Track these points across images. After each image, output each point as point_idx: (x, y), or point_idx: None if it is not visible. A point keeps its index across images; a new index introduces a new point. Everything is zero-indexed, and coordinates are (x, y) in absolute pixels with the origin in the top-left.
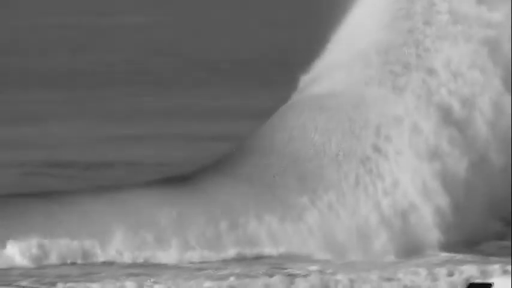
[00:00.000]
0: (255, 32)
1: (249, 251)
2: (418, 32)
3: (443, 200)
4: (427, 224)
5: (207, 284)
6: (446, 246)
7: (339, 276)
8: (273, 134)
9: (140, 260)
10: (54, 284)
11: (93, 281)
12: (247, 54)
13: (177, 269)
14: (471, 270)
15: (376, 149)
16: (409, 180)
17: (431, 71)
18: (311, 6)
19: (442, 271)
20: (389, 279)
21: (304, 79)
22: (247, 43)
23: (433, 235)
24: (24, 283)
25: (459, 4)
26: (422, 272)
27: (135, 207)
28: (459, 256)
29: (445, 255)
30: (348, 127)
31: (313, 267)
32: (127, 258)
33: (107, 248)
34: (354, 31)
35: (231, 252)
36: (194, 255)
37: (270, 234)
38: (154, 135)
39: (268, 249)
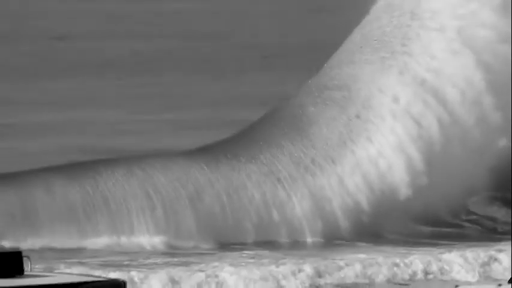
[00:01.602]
0: (303, 18)
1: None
2: (404, 25)
3: (415, 154)
4: (399, 170)
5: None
6: (416, 189)
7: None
8: (285, 110)
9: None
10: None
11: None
12: (295, 40)
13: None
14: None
15: (359, 115)
16: (385, 138)
17: (411, 54)
18: None
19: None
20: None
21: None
22: (295, 29)
23: (404, 179)
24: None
25: (438, 1)
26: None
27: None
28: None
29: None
30: (340, 101)
31: (360, 256)
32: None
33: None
34: (364, 24)
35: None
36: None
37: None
38: (203, 121)
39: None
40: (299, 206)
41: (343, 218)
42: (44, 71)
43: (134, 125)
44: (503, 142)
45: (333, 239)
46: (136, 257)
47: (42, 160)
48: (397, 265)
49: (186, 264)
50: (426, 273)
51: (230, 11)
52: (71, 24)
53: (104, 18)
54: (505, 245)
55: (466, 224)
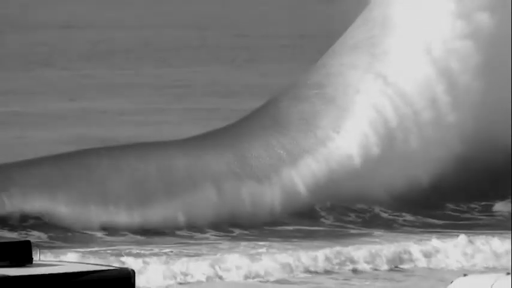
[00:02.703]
0: (316, 9)
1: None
2: (375, 35)
3: (370, 131)
4: (354, 144)
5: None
6: (369, 158)
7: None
8: (266, 104)
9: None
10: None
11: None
12: (307, 31)
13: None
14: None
15: (326, 107)
16: (345, 122)
17: (374, 56)
18: None
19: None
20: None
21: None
22: (308, 20)
23: (357, 151)
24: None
25: (400, 16)
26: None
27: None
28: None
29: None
30: (312, 97)
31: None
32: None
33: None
34: (346, 34)
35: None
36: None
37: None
38: (213, 111)
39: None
40: (263, 176)
41: (300, 182)
42: (54, 60)
43: (143, 115)
44: (451, 118)
45: (295, 205)
46: (144, 247)
47: (51, 150)
48: (400, 253)
49: (196, 254)
50: (426, 261)
51: (242, 1)
52: (82, 13)
53: (115, 7)
54: (505, 235)
55: (478, 216)
